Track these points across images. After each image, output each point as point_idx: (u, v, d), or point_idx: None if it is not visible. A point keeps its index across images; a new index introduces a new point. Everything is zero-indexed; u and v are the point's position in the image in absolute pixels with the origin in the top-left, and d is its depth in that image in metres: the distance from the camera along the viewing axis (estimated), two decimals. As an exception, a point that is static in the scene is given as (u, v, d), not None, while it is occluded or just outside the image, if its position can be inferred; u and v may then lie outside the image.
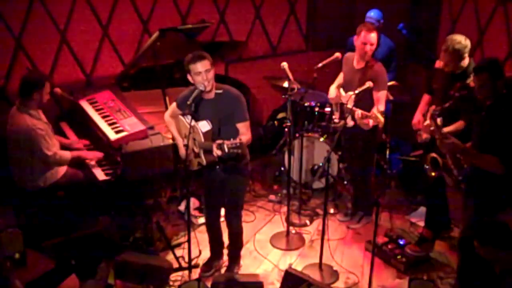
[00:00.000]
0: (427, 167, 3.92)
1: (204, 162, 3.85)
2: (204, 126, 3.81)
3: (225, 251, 4.54)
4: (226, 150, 3.53)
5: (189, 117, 3.80)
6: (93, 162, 4.47)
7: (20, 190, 4.39)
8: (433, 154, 3.88)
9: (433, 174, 3.92)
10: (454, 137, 3.72)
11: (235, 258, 4.47)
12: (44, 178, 4.32)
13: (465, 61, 4.13)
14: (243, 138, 3.75)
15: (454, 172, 3.86)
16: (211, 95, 3.88)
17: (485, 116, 3.61)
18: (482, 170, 3.62)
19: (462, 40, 4.07)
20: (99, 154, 4.49)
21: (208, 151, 3.76)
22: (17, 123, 4.21)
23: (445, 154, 3.87)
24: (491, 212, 3.66)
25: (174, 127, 4.11)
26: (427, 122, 4.09)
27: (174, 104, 4.07)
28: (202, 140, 3.77)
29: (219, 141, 3.57)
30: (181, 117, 3.99)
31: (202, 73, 3.72)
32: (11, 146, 4.30)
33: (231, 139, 3.59)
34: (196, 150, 3.89)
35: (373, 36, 4.47)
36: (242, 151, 3.58)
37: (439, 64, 4.37)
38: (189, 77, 3.82)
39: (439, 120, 3.84)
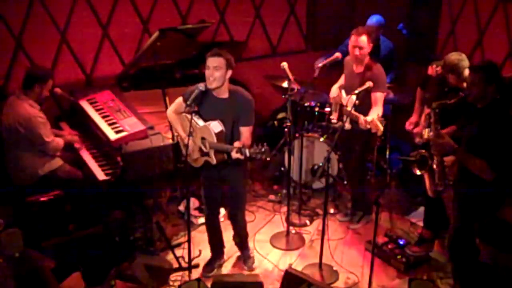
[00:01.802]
0: (413, 159, 3.88)
1: (214, 162, 3.86)
2: (216, 126, 3.82)
3: (226, 250, 4.56)
4: (248, 154, 3.54)
5: (197, 117, 3.85)
6: (89, 158, 4.52)
7: (18, 187, 4.43)
8: (424, 152, 3.85)
9: (417, 172, 3.89)
10: (448, 137, 3.72)
11: (245, 246, 4.54)
12: (42, 164, 4.41)
13: (466, 73, 4.12)
14: (247, 142, 3.79)
15: (435, 178, 3.84)
16: (225, 95, 3.88)
17: (475, 119, 3.59)
18: (468, 175, 3.59)
19: (456, 58, 4.12)
20: (75, 137, 4.69)
21: (219, 152, 3.76)
22: (16, 110, 4.33)
23: (434, 156, 3.84)
24: (476, 216, 3.66)
25: (179, 125, 4.08)
26: (422, 123, 4.08)
27: (179, 99, 4.02)
28: (215, 140, 3.78)
29: (237, 144, 3.60)
30: (187, 115, 3.97)
31: (210, 68, 3.75)
32: (9, 134, 4.38)
33: (255, 146, 3.60)
34: (206, 149, 3.89)
35: (363, 39, 4.48)
36: (267, 157, 3.57)
37: (431, 71, 4.38)
38: None
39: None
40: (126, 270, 3.84)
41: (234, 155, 3.62)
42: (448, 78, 4.22)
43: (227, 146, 3.73)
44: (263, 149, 3.52)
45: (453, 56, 4.16)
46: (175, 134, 4.30)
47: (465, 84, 4.00)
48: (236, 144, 3.63)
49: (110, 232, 4.43)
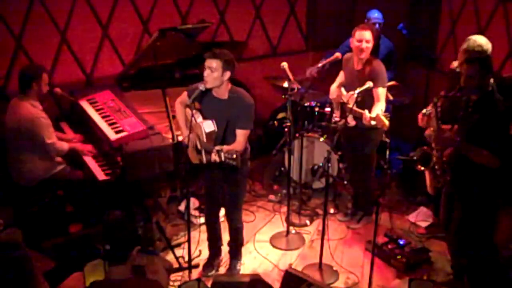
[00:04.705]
0: (415, 158, 3.89)
1: (204, 161, 3.85)
2: (209, 126, 3.80)
3: (225, 249, 4.56)
4: (223, 158, 3.56)
5: (198, 114, 3.84)
6: (89, 158, 4.50)
7: (19, 187, 4.42)
8: (426, 148, 3.86)
9: (421, 168, 3.88)
10: (449, 132, 3.73)
11: (236, 254, 4.49)
12: (44, 168, 4.39)
13: None
14: (237, 146, 3.79)
15: (437, 173, 3.85)
16: (225, 96, 3.87)
17: (472, 111, 3.62)
18: (466, 169, 3.62)
19: (483, 44, 3.99)
20: (90, 147, 4.60)
21: (208, 152, 3.76)
22: (19, 111, 4.31)
23: (434, 150, 3.85)
24: (479, 211, 3.69)
25: (182, 117, 4.08)
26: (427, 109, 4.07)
27: (184, 93, 4.03)
28: (204, 140, 3.77)
29: (218, 148, 3.60)
30: (188, 109, 3.96)
31: (206, 69, 3.76)
32: (11, 137, 4.36)
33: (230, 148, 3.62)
34: (199, 147, 3.89)
35: (367, 33, 4.48)
36: (237, 163, 3.58)
37: (453, 65, 4.38)
38: None
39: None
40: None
41: (213, 157, 3.61)
42: (459, 55, 4.14)
43: (210, 146, 3.71)
44: (234, 156, 3.55)
45: (478, 42, 3.99)
46: (176, 133, 4.32)
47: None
48: (217, 147, 3.64)
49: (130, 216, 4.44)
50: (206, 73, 3.76)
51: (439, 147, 3.78)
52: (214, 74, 3.75)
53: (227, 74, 3.79)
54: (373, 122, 4.28)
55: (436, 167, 3.81)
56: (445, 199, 4.01)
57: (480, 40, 4.02)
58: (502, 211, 3.94)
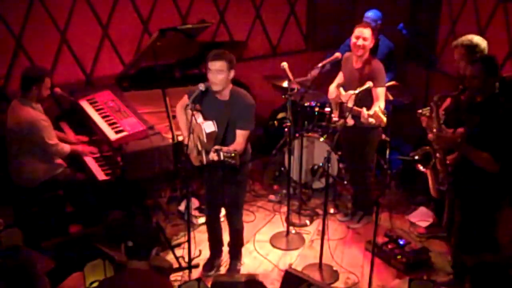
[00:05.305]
0: (417, 158, 3.89)
1: (204, 161, 3.85)
2: (209, 126, 3.81)
3: (225, 249, 4.56)
4: (222, 157, 3.56)
5: (199, 115, 3.84)
6: (89, 158, 4.50)
7: (19, 188, 4.42)
8: (428, 148, 3.86)
9: (421, 168, 3.88)
10: (450, 132, 3.73)
11: (236, 255, 4.49)
12: (44, 170, 4.37)
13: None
14: (237, 147, 3.79)
15: (439, 176, 3.85)
16: (226, 97, 3.88)
17: (476, 113, 3.62)
18: (469, 170, 3.62)
19: (473, 39, 4.07)
20: (94, 149, 4.58)
21: (208, 153, 3.77)
22: (19, 114, 4.28)
23: (437, 152, 3.86)
24: (479, 212, 3.69)
25: (184, 120, 4.08)
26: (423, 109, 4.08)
27: (185, 96, 4.03)
28: (205, 140, 3.78)
29: (217, 147, 3.62)
30: (189, 111, 3.96)
31: (212, 72, 3.74)
32: (12, 138, 4.35)
33: (229, 148, 3.63)
34: (200, 147, 3.90)
35: (366, 31, 4.47)
36: (236, 162, 3.59)
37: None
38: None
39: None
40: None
41: (211, 155, 3.63)
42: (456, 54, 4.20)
43: (210, 146, 3.72)
44: (232, 154, 3.56)
45: (468, 37, 4.09)
46: (176, 133, 4.32)
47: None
48: (216, 146, 3.65)
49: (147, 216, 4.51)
50: (213, 75, 3.74)
51: (440, 148, 3.78)
52: (222, 75, 3.74)
53: (232, 73, 3.80)
54: (371, 120, 4.28)
55: (439, 167, 3.81)
56: (449, 201, 4.00)
57: (471, 36, 4.09)
58: (507, 212, 3.93)
